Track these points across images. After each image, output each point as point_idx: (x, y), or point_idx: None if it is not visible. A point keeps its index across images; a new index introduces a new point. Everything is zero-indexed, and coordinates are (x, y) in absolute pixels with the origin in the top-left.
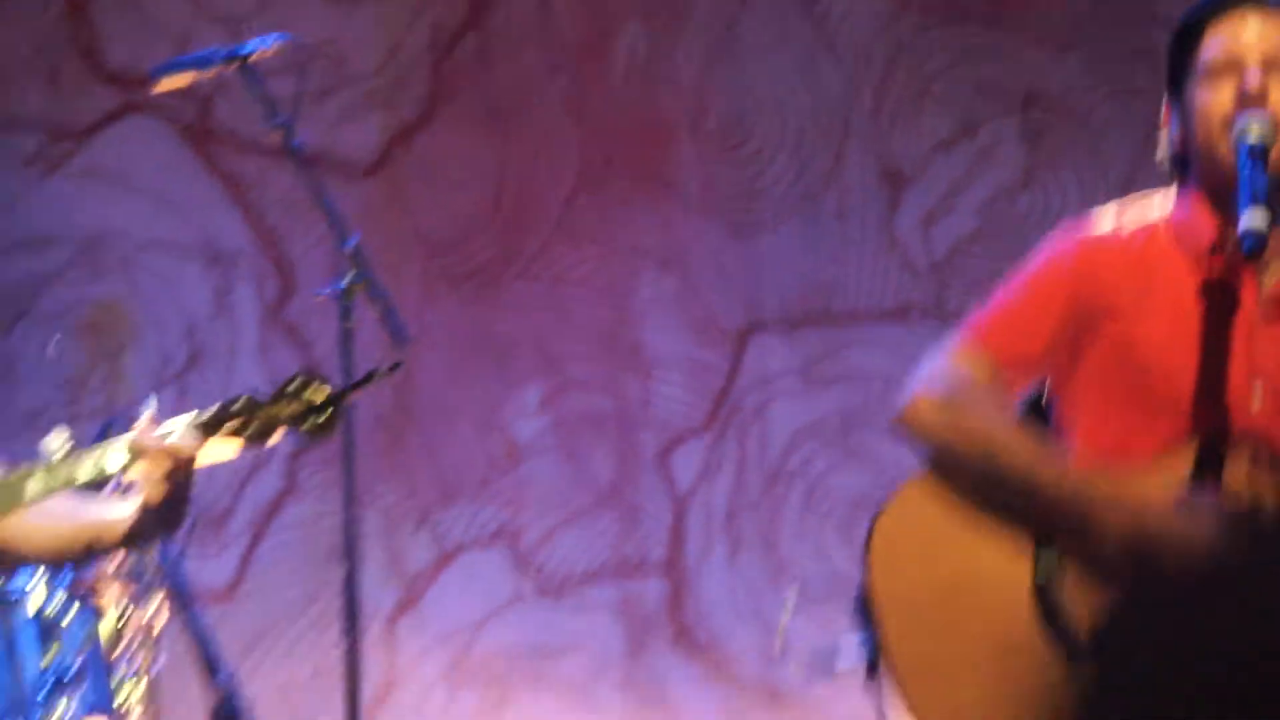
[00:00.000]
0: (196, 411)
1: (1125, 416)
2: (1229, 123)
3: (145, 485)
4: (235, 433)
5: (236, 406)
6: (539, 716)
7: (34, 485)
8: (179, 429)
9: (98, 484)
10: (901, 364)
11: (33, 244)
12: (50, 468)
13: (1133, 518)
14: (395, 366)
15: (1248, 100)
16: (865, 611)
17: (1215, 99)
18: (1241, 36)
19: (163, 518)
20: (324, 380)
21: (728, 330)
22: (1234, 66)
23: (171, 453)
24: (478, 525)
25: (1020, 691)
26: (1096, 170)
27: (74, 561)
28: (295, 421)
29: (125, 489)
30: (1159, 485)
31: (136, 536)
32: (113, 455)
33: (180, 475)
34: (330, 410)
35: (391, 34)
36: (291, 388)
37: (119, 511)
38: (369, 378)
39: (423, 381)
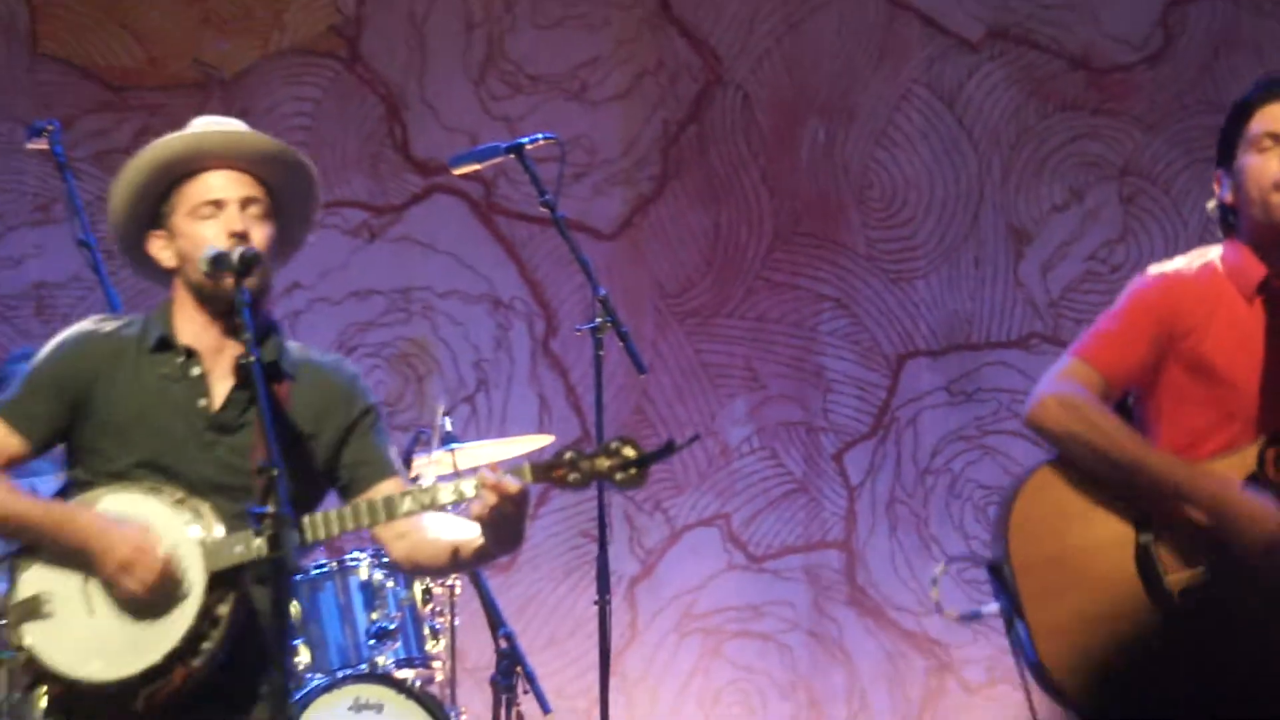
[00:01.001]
0: (529, 464)
1: (1197, 419)
2: (1276, 184)
3: (485, 509)
4: (559, 479)
5: (567, 457)
6: (745, 659)
7: (408, 503)
8: (515, 473)
9: (455, 503)
10: (1025, 381)
11: (360, 294)
12: (420, 491)
13: (1220, 487)
14: (693, 439)
15: None
16: (999, 575)
17: (1263, 166)
18: None
19: (498, 536)
20: (637, 444)
21: (888, 356)
22: (1278, 140)
23: (503, 488)
24: (699, 509)
25: (1128, 643)
26: (1177, 225)
27: (452, 570)
28: (611, 474)
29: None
30: (1231, 476)
31: (486, 553)
32: (467, 485)
33: (512, 506)
34: (640, 469)
35: (631, 128)
36: (612, 446)
37: (473, 533)
38: (670, 448)
39: (656, 397)
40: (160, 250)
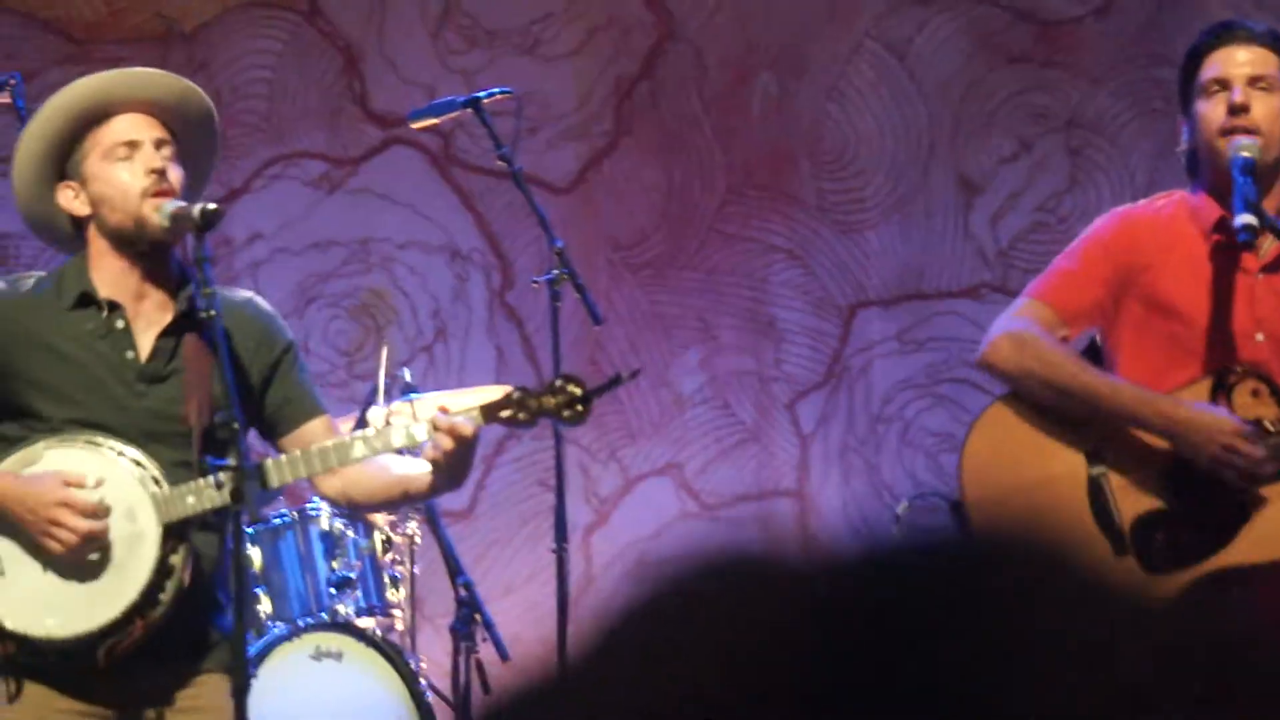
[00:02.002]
0: (479, 405)
1: (1155, 355)
2: (1223, 130)
3: (437, 451)
4: (510, 419)
5: (514, 396)
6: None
7: (360, 447)
8: (466, 415)
9: (408, 448)
10: (975, 330)
11: (319, 245)
12: (373, 436)
13: (1171, 405)
14: (635, 374)
15: (1235, 110)
16: (959, 513)
17: (1212, 111)
18: (1230, 61)
19: (448, 476)
20: (580, 380)
21: (840, 306)
22: (1224, 85)
23: (458, 431)
24: (652, 459)
25: (1079, 573)
26: (1124, 177)
27: (391, 506)
28: (559, 410)
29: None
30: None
31: (433, 490)
32: (418, 429)
33: (464, 447)
34: (585, 403)
35: (584, 84)
36: (557, 383)
37: (424, 471)
38: (615, 381)
39: (610, 348)
40: (71, 201)
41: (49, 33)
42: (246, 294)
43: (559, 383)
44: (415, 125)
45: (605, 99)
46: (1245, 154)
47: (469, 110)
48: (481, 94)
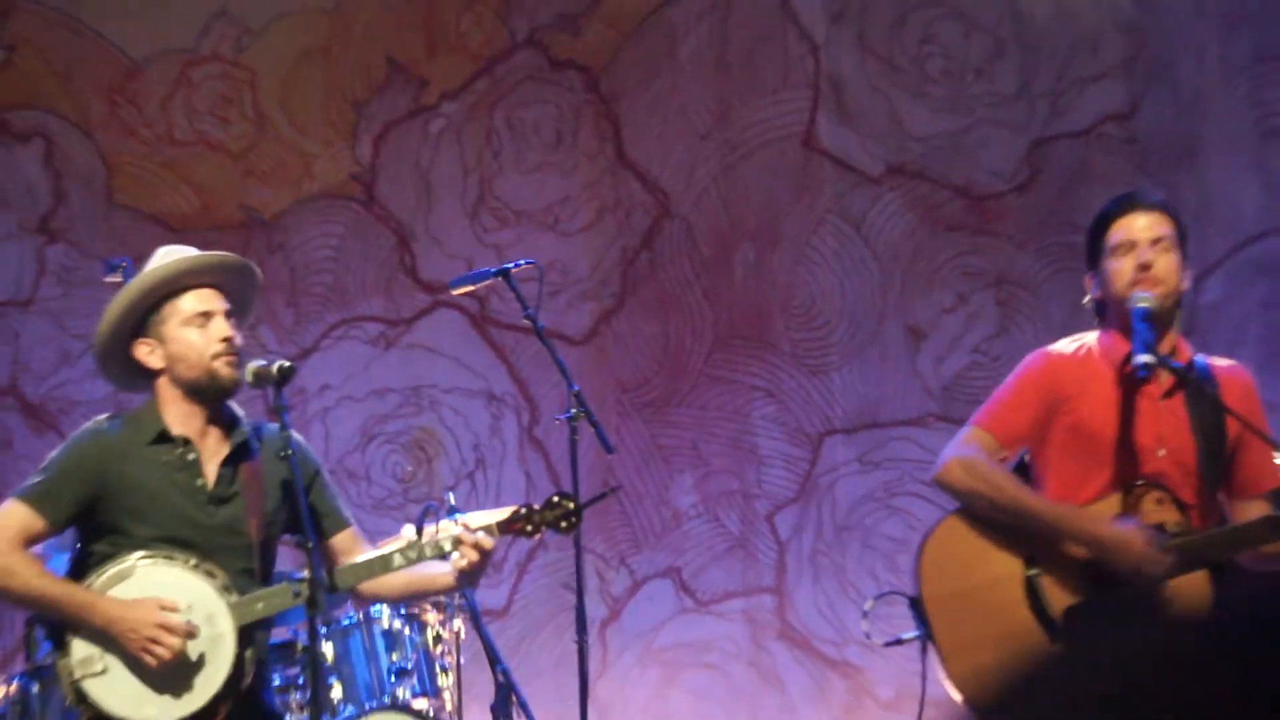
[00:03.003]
0: (495, 521)
1: (1075, 467)
2: (1131, 284)
3: (463, 561)
4: (518, 531)
5: (521, 514)
6: (696, 686)
7: (399, 559)
8: (485, 530)
9: (437, 558)
10: (923, 453)
11: (378, 392)
12: (408, 547)
13: (1093, 523)
14: (614, 490)
15: (1143, 267)
16: (917, 608)
17: (1120, 268)
18: (1134, 226)
19: (470, 578)
20: (572, 497)
21: (810, 434)
22: (1130, 246)
23: (480, 545)
24: (656, 564)
25: (1021, 660)
26: (1042, 322)
27: (417, 599)
28: (555, 523)
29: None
30: (1105, 514)
31: (455, 588)
32: (446, 543)
33: (485, 557)
34: (576, 516)
35: (595, 254)
36: (553, 501)
37: (445, 572)
38: (601, 497)
39: (620, 473)
40: (147, 355)
41: (153, 224)
42: (275, 426)
43: (555, 499)
44: (456, 291)
45: (613, 266)
46: (1144, 304)
47: (501, 278)
48: (510, 265)
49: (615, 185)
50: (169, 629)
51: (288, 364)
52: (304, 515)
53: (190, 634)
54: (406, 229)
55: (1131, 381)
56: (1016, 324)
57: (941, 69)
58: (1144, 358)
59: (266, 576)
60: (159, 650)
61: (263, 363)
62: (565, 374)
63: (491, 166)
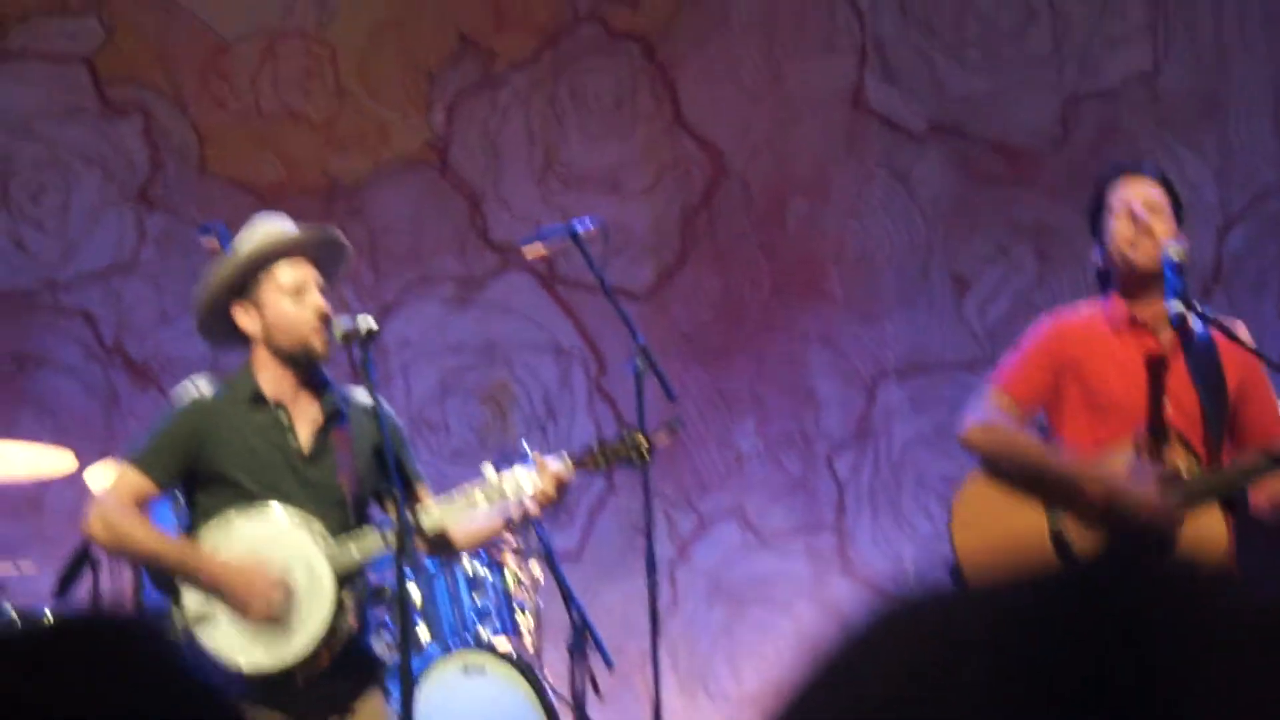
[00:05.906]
0: (567, 454)
1: (1088, 429)
2: (1130, 243)
3: (541, 494)
4: (593, 465)
5: (595, 448)
6: (761, 621)
7: (481, 498)
8: (560, 463)
9: (517, 497)
10: (969, 395)
11: (454, 348)
12: (490, 487)
13: (1109, 476)
14: (680, 423)
15: (1139, 227)
16: (955, 573)
17: (1120, 227)
18: (1133, 190)
19: (550, 511)
20: (643, 432)
21: (865, 378)
22: (1129, 207)
23: (559, 476)
24: (721, 504)
25: None
26: (1079, 272)
27: (496, 536)
28: (627, 457)
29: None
30: (1118, 465)
31: (538, 518)
32: (525, 480)
33: (560, 488)
34: (649, 450)
35: (656, 213)
36: (625, 436)
37: (493, 522)
38: (668, 426)
39: (684, 420)
40: (244, 317)
41: (243, 191)
42: (358, 389)
43: (626, 434)
44: (526, 251)
45: (673, 224)
46: (1174, 254)
47: (568, 238)
48: (577, 225)
49: (673, 148)
50: (264, 590)
51: (374, 326)
52: (391, 468)
53: (290, 592)
54: (478, 193)
55: (1137, 341)
56: (1054, 272)
57: (977, 33)
58: (1175, 304)
59: None
60: (252, 613)
61: (349, 324)
62: (631, 327)
63: (556, 133)
